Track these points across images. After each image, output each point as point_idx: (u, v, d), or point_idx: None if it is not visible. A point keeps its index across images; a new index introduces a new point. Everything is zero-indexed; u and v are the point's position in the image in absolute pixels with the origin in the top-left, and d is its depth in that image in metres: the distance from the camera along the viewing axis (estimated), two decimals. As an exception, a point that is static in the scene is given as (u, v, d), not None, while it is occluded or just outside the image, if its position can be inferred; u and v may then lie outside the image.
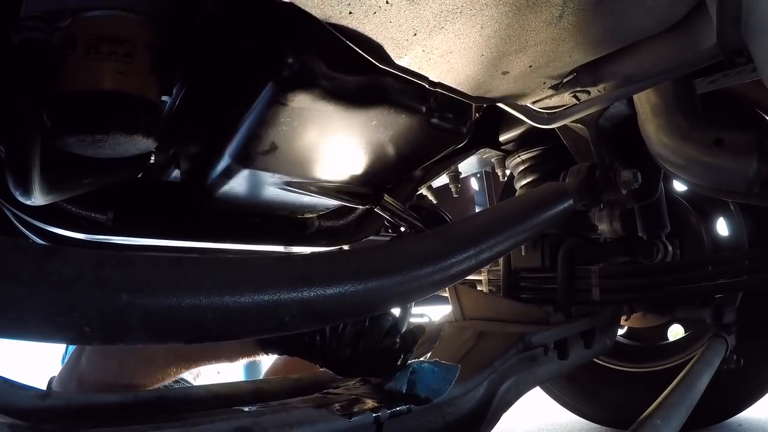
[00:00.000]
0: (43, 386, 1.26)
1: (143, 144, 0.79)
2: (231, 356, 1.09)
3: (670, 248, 1.41)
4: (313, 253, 1.10)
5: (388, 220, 1.30)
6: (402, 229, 1.30)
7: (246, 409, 0.69)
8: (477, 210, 2.80)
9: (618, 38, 0.78)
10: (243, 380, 1.03)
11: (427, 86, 0.81)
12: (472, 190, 2.85)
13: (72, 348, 1.56)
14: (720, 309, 1.27)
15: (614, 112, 1.23)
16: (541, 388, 1.89)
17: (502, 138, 1.52)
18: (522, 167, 1.56)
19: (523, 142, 1.53)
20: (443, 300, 1.47)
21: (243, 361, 1.09)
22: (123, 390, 1.16)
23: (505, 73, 0.82)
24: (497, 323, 1.20)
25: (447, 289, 1.27)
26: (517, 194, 1.59)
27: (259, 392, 0.87)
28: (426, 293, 0.73)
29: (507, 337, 1.05)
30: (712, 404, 1.34)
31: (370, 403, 0.74)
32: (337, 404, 0.71)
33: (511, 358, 1.02)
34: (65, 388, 1.18)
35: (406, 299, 0.72)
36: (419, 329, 0.89)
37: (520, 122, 1.10)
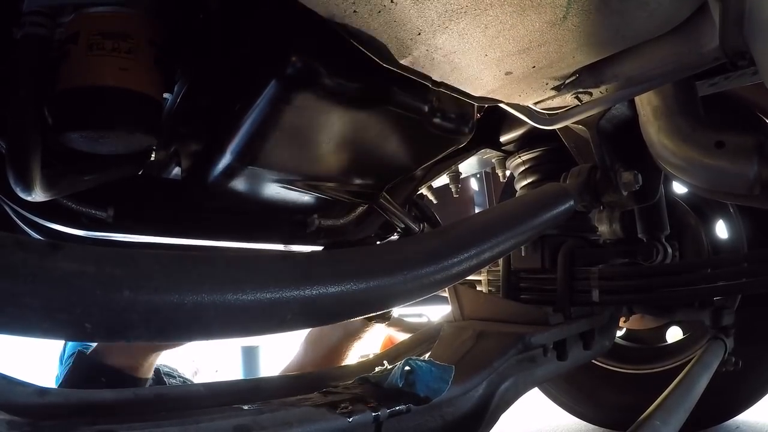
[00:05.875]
0: (46, 380, 1.29)
1: (145, 141, 0.79)
2: None
3: (669, 250, 1.41)
4: (315, 252, 1.10)
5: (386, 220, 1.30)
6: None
7: (245, 407, 0.68)
8: (476, 210, 2.80)
9: (621, 40, 0.78)
10: (242, 378, 1.03)
11: (430, 86, 0.81)
12: (471, 191, 2.85)
13: (70, 346, 1.56)
14: (718, 311, 1.26)
15: (615, 113, 1.23)
16: (539, 389, 1.88)
17: (503, 138, 1.52)
18: (523, 168, 1.56)
19: (524, 143, 1.53)
20: (443, 300, 1.47)
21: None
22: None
23: (508, 73, 0.82)
24: (496, 323, 1.19)
25: (446, 288, 1.26)
26: (517, 195, 1.59)
27: (258, 390, 0.86)
28: (427, 293, 0.73)
29: (506, 338, 1.05)
30: (711, 406, 1.34)
31: (369, 403, 0.73)
32: (336, 403, 0.71)
33: (510, 358, 1.02)
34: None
35: (407, 298, 0.72)
36: None
37: (522, 123, 1.10)
